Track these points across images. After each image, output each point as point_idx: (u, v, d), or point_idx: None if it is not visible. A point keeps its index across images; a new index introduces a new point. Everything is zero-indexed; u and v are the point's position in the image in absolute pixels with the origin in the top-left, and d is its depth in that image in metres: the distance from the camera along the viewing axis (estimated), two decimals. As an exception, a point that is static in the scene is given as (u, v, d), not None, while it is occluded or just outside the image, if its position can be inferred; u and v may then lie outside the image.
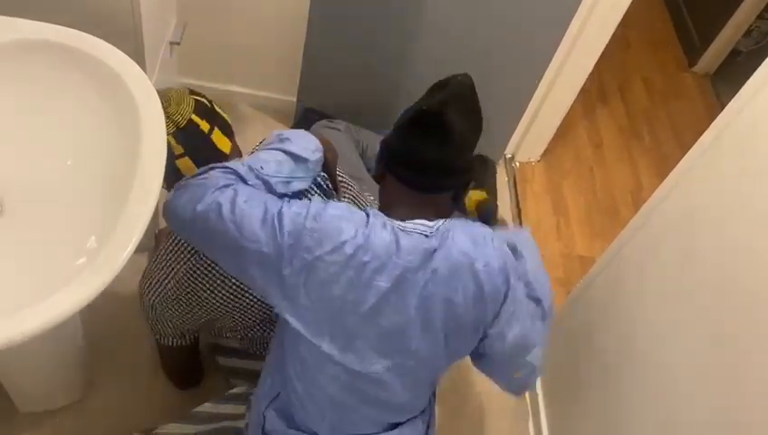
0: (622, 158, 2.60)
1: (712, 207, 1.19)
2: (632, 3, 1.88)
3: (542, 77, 2.05)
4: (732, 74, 2.96)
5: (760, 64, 1.12)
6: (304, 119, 2.12)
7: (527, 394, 1.81)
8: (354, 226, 1.01)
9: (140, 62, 1.29)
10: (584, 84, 2.15)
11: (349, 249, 0.99)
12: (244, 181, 1.06)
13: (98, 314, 1.66)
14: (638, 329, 1.36)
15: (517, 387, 1.22)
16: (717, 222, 1.17)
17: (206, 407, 1.48)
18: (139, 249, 0.95)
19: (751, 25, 2.91)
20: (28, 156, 1.09)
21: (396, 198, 1.11)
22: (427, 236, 1.03)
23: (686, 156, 1.28)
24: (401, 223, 1.05)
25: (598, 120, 2.72)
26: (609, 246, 1.52)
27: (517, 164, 2.40)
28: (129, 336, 1.66)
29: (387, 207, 1.10)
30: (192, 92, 1.29)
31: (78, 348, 1.46)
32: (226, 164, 1.09)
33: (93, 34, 1.13)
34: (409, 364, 1.09)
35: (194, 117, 1.25)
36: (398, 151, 1.09)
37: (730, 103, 1.17)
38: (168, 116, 1.19)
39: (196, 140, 1.26)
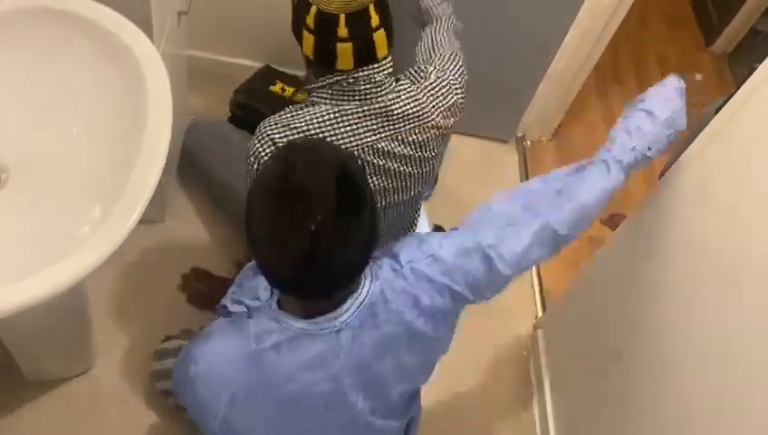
0: (635, 138, 2.56)
1: (725, 187, 1.18)
2: (650, -21, 1.84)
3: (555, 52, 2.02)
4: (749, 55, 2.89)
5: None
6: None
7: (532, 376, 1.80)
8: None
9: (148, 31, 1.28)
10: (598, 61, 2.11)
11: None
12: None
13: (106, 283, 1.68)
14: (647, 312, 1.35)
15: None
16: (730, 203, 1.15)
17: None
18: (145, 220, 0.95)
19: (771, 4, 2.84)
20: (35, 123, 1.09)
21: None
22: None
23: (698, 136, 1.25)
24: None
25: (611, 99, 2.68)
26: (619, 227, 1.50)
27: (528, 143, 2.38)
28: (138, 306, 1.68)
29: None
30: None
31: (84, 317, 1.47)
32: None
33: (101, 2, 1.12)
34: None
35: None
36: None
37: (748, 81, 1.14)
38: None
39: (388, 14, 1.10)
